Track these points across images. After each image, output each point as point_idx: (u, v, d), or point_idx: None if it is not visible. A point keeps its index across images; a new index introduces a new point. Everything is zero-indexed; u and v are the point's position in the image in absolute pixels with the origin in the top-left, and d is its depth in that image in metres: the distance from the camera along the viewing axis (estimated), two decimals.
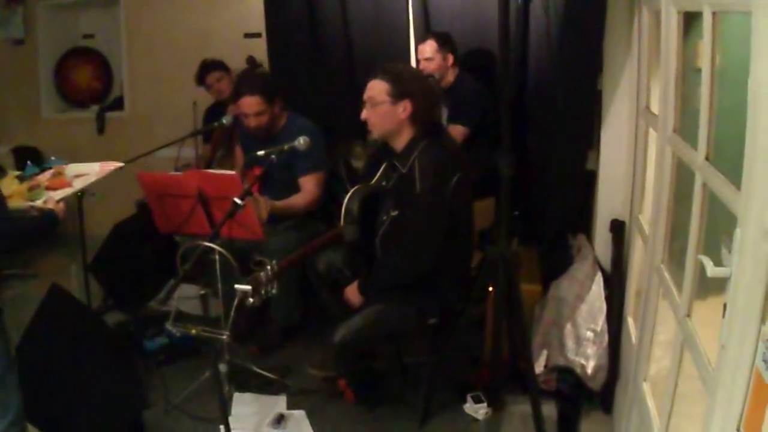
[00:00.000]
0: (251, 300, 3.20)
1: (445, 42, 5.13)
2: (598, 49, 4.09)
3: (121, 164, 3.68)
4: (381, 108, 3.66)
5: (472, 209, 3.86)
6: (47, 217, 3.15)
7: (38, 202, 3.25)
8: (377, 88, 3.67)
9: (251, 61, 5.95)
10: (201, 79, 6.12)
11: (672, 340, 2.74)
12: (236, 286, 3.17)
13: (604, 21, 4.00)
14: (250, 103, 4.66)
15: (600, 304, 4.03)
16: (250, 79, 4.82)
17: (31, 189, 3.39)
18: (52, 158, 5.04)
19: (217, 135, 5.93)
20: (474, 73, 5.25)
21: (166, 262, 3.52)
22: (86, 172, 3.61)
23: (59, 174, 3.61)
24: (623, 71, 4.05)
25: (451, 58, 5.15)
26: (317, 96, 5.73)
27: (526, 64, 5.06)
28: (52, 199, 3.23)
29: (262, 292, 3.24)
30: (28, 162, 4.21)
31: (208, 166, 5.87)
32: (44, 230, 3.18)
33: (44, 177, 3.52)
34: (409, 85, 3.64)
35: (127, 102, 7.59)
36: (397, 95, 3.62)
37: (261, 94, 4.65)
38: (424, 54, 5.11)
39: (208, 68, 6.10)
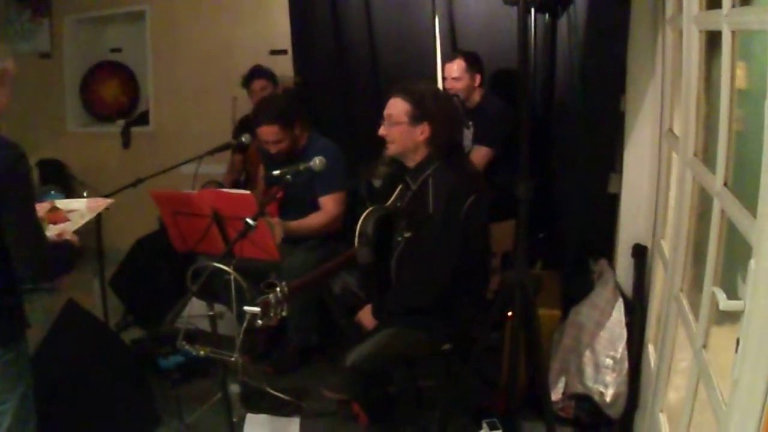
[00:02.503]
0: (260, 322, 3.14)
1: (473, 62, 5.07)
2: (621, 69, 4.02)
3: (110, 200, 3.66)
4: (399, 128, 3.60)
5: (488, 232, 3.79)
6: (71, 247, 3.16)
7: (53, 234, 3.25)
8: (397, 107, 3.61)
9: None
10: (247, 82, 5.97)
11: (690, 370, 2.66)
12: (245, 308, 3.11)
13: (627, 41, 3.93)
14: (268, 132, 4.65)
15: (620, 331, 3.94)
16: (268, 107, 4.77)
17: None
18: (52, 192, 5.05)
19: (252, 149, 5.79)
20: (500, 93, 5.18)
21: (186, 279, 3.51)
22: (76, 208, 3.61)
23: (56, 209, 3.61)
24: (647, 92, 3.97)
25: (478, 78, 5.09)
26: (342, 114, 5.71)
27: (553, 83, 4.99)
28: (67, 231, 3.23)
29: (272, 314, 3.18)
30: None
31: (249, 179, 5.85)
32: (73, 259, 3.18)
33: (42, 210, 3.50)
34: (429, 107, 3.56)
35: (152, 117, 7.61)
36: (416, 117, 3.56)
37: (278, 123, 4.63)
38: (451, 73, 5.05)
39: (257, 74, 5.95)
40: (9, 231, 2.70)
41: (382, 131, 3.67)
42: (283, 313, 3.22)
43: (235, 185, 5.94)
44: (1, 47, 2.88)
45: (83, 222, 3.44)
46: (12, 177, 2.65)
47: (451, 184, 3.53)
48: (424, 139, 3.58)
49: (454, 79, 5.03)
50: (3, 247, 2.73)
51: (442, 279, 3.53)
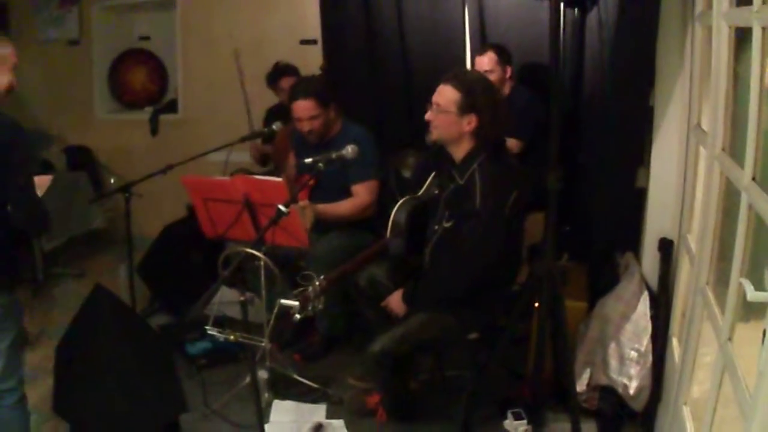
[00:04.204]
0: (297, 316, 3.17)
1: (504, 54, 5.10)
2: (650, 64, 4.01)
3: (50, 177, 3.72)
4: (446, 117, 3.58)
5: (524, 226, 3.81)
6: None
7: None
8: (447, 96, 3.58)
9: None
10: (274, 80, 6.00)
11: (714, 363, 2.67)
12: (282, 301, 3.14)
13: (657, 36, 3.94)
14: (304, 107, 4.62)
15: (645, 324, 3.95)
16: (305, 83, 4.78)
17: None
18: None
19: (281, 137, 5.80)
20: (529, 86, 5.20)
21: (213, 266, 3.52)
22: None
23: None
24: (675, 87, 3.98)
25: (509, 71, 5.13)
26: (371, 105, 5.71)
27: (581, 77, 5.00)
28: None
29: (309, 307, 3.21)
30: None
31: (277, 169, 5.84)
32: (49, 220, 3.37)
33: None
34: (479, 99, 3.54)
35: (181, 105, 7.63)
36: (465, 108, 3.54)
37: (315, 98, 4.60)
38: (483, 66, 5.06)
39: (283, 72, 5.97)
40: (13, 190, 2.99)
41: (428, 116, 3.66)
42: (320, 306, 3.25)
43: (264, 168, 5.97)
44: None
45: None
46: (15, 143, 2.93)
47: (497, 180, 3.54)
48: (470, 130, 3.57)
49: (486, 71, 5.03)
50: (2, 206, 3.01)
51: (479, 273, 3.56)
